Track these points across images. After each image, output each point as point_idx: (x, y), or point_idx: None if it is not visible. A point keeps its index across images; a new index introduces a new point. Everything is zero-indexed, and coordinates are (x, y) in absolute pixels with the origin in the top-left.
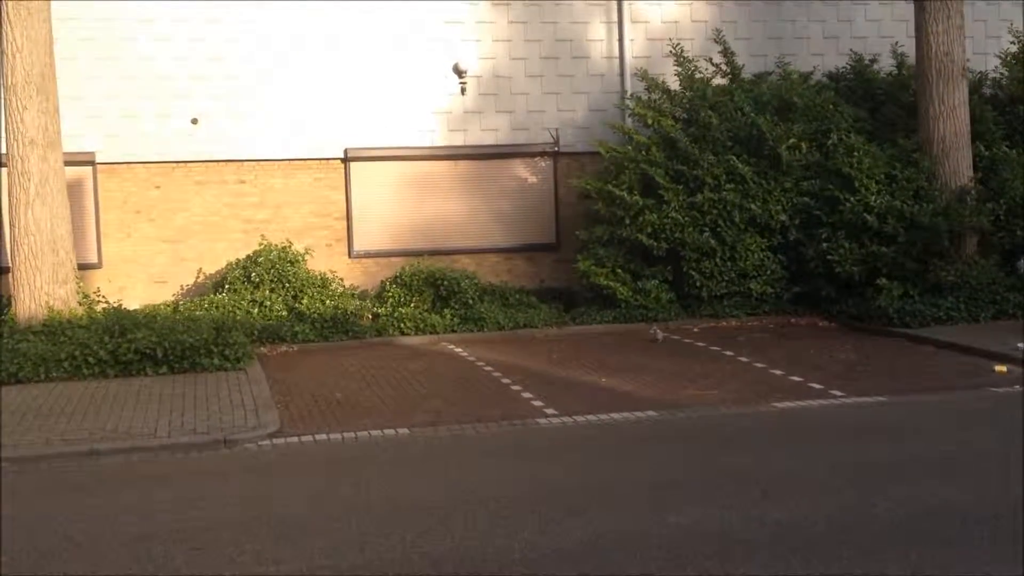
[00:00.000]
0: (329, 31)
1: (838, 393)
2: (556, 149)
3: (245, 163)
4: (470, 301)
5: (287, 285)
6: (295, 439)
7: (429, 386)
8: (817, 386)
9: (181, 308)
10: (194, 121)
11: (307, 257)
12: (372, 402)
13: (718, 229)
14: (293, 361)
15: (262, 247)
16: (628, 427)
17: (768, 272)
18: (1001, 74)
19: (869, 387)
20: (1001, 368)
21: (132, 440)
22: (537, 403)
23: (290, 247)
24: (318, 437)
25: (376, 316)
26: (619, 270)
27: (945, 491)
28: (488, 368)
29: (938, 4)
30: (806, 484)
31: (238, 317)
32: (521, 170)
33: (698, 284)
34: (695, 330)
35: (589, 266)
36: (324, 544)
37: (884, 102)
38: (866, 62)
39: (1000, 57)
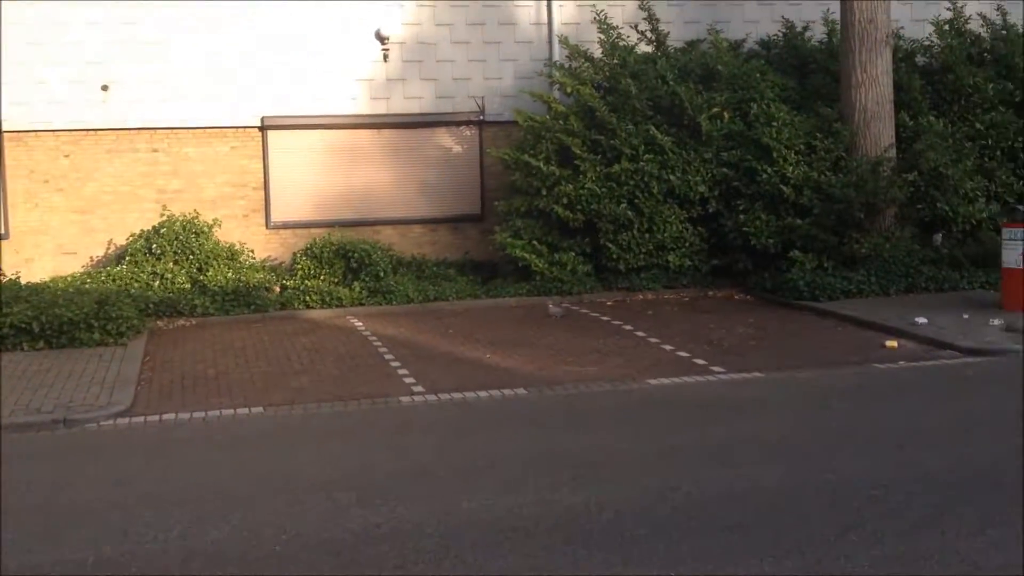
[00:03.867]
0: None
1: (718, 369)
2: (482, 118)
3: (158, 131)
4: (381, 274)
5: (192, 257)
6: (140, 419)
7: (307, 362)
8: (701, 362)
9: (78, 280)
10: (104, 88)
11: (216, 228)
12: (241, 379)
13: (636, 200)
14: (185, 336)
15: (165, 218)
16: (490, 405)
17: (687, 244)
18: (933, 42)
19: (752, 363)
20: (892, 344)
21: None
22: (409, 380)
23: (197, 218)
24: (165, 417)
25: (284, 288)
26: (536, 242)
27: (766, 473)
28: (378, 343)
29: None
30: (628, 466)
31: (133, 290)
32: (446, 139)
33: (615, 256)
34: (608, 303)
35: (506, 238)
36: (86, 535)
37: (815, 71)
38: (798, 30)
39: (934, 25)
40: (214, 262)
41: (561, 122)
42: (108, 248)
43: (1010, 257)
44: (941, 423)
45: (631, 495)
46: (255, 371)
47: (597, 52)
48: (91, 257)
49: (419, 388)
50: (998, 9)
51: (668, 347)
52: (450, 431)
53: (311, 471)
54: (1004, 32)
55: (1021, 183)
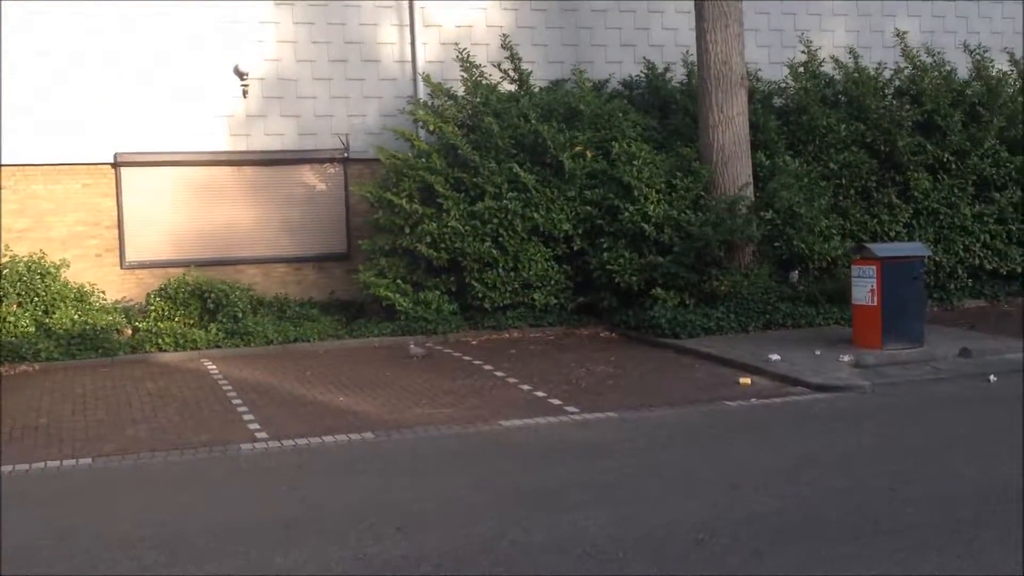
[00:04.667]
0: (99, 28)
1: (572, 410)
2: (346, 155)
3: (3, 168)
4: (239, 315)
5: (37, 299)
6: None
7: (149, 410)
8: (556, 402)
9: None
10: None
11: (64, 268)
12: (74, 428)
13: (500, 239)
14: (24, 382)
15: (8, 258)
16: (334, 451)
17: (552, 282)
18: (789, 84)
19: (607, 403)
20: (745, 381)
21: None
22: (254, 426)
23: (44, 258)
24: None
25: (136, 331)
26: (400, 281)
27: (596, 518)
28: (228, 387)
29: (716, 12)
30: (459, 514)
31: None
32: (310, 177)
33: (481, 295)
34: (474, 343)
35: (369, 277)
36: None
37: (676, 111)
38: (659, 71)
39: (789, 67)
40: (61, 304)
41: (424, 160)
42: None
43: (860, 294)
44: (779, 462)
45: (455, 545)
46: (91, 420)
47: (461, 90)
48: None
49: (262, 434)
50: (850, 52)
51: (526, 387)
52: (284, 480)
53: (124, 527)
54: (856, 75)
55: (875, 221)
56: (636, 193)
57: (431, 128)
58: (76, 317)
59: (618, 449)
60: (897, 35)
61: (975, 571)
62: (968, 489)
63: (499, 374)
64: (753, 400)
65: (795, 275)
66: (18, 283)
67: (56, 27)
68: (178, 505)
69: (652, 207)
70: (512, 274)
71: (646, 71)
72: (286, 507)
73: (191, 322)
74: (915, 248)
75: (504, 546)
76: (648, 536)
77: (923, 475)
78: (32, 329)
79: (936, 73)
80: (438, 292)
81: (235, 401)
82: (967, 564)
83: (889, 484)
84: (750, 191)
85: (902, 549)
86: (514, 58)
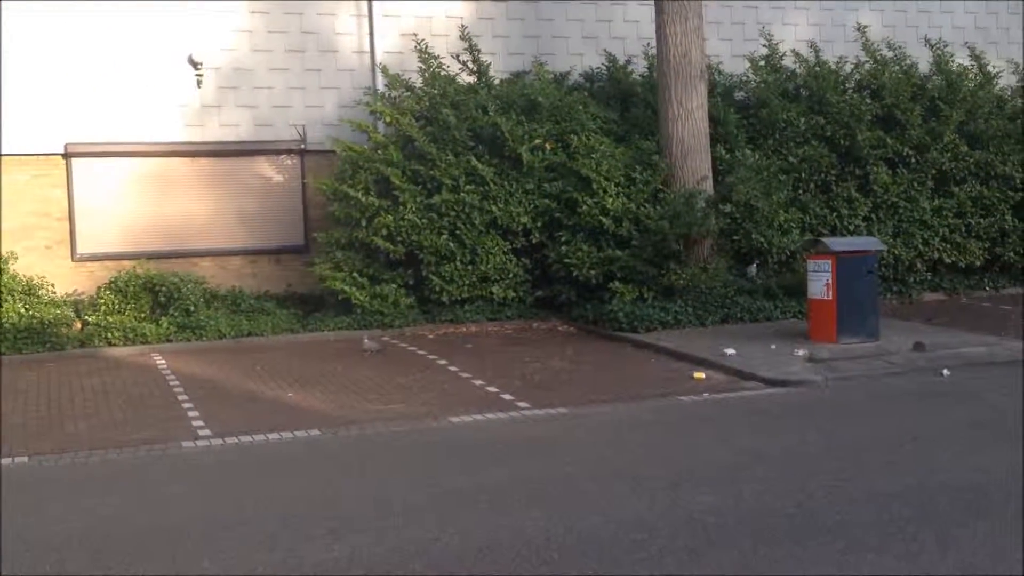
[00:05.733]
0: (49, 16)
1: (524, 405)
2: (303, 147)
3: None
4: (191, 308)
5: None
6: None
7: (91, 405)
8: (508, 397)
9: None
10: None
11: (12, 261)
12: (12, 425)
13: (457, 231)
14: None
15: None
16: (277, 449)
17: (511, 276)
18: (750, 78)
19: (559, 398)
20: (700, 375)
21: None
22: (197, 423)
23: None
24: None
25: (85, 325)
26: (357, 274)
27: (533, 518)
28: (175, 382)
29: (676, 5)
30: (393, 515)
31: None
32: (266, 168)
33: (438, 288)
34: (430, 337)
35: (325, 270)
36: None
37: (637, 104)
38: (620, 63)
39: (750, 61)
40: (8, 297)
41: (380, 152)
42: None
43: (816, 288)
44: (724, 458)
45: (388, 547)
46: (31, 416)
47: (419, 82)
48: None
49: (205, 432)
50: (811, 46)
51: (479, 382)
52: (221, 479)
53: (52, 527)
54: (817, 69)
55: (834, 215)
56: (595, 186)
57: (388, 120)
58: (23, 311)
59: (564, 446)
60: (858, 29)
61: (911, 571)
62: (911, 487)
63: (452, 368)
64: (705, 395)
65: (753, 269)
66: None
67: (3, 16)
68: (110, 505)
69: (611, 200)
70: (470, 267)
71: (607, 64)
72: (220, 507)
73: (142, 316)
74: (870, 242)
75: (438, 548)
76: (585, 536)
77: (867, 472)
78: None
79: (897, 67)
80: (395, 285)
81: (181, 397)
82: (904, 565)
83: (832, 481)
84: (709, 185)
85: (840, 549)
86: (473, 49)
